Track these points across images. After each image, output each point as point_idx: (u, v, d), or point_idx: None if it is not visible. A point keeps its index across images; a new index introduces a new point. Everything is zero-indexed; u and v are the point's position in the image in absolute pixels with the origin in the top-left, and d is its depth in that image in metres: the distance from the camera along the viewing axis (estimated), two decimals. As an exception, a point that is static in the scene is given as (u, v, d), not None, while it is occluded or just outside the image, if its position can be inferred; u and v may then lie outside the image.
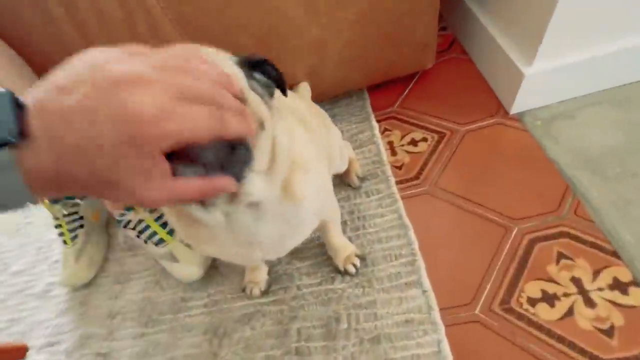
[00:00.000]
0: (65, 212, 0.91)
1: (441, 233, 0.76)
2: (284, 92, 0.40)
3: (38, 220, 1.11)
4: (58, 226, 0.91)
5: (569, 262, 0.66)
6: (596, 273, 0.64)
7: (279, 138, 0.39)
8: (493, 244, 0.72)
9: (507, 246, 0.70)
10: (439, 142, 0.90)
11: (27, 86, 0.76)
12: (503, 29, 0.85)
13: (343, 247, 0.73)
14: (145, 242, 0.85)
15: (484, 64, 0.97)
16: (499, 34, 0.86)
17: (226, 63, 0.34)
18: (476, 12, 0.93)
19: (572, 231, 0.69)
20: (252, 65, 0.36)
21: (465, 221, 0.76)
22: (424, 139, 0.91)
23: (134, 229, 0.85)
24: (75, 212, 0.93)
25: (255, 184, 0.36)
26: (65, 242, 0.91)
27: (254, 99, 0.35)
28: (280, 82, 0.39)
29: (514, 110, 0.87)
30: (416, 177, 0.85)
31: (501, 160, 0.82)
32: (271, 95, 0.38)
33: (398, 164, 0.89)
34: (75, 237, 0.91)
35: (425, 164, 0.87)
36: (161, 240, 0.84)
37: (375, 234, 0.78)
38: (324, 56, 0.82)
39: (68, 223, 0.91)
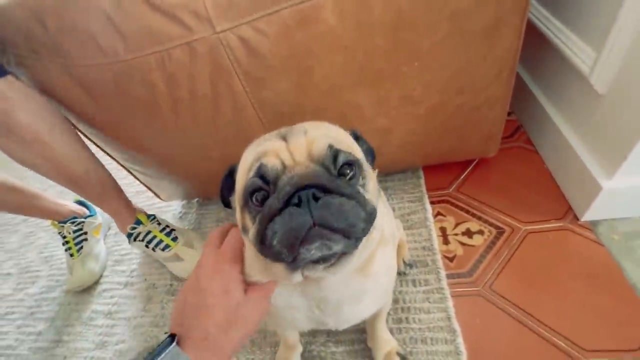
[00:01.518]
0: (74, 229, 1.10)
1: (494, 348, 0.69)
2: (373, 164, 0.44)
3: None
4: (66, 242, 1.10)
5: (653, 422, 0.56)
6: None
7: (379, 219, 0.41)
8: (556, 374, 0.63)
9: (574, 382, 0.62)
10: (497, 237, 0.85)
11: (83, 158, 0.85)
12: (579, 133, 0.81)
13: (386, 341, 0.69)
14: (154, 249, 1.00)
15: (553, 161, 0.92)
16: (574, 139, 0.82)
17: (350, 138, 0.41)
18: (547, 107, 0.91)
19: (658, 382, 0.59)
20: (356, 138, 0.43)
21: (524, 339, 0.68)
22: (480, 232, 0.87)
23: (142, 240, 1.00)
24: (81, 229, 1.11)
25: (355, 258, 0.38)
26: (72, 254, 1.08)
27: (371, 175, 0.40)
28: (372, 155, 0.45)
29: (586, 217, 0.81)
30: (469, 274, 0.80)
31: (568, 273, 0.75)
32: (372, 164, 0.43)
33: (450, 255, 0.85)
34: (81, 249, 1.09)
35: (480, 260, 0.82)
36: (167, 246, 1.00)
37: (420, 332, 0.74)
38: (386, 140, 0.84)
39: (74, 238, 1.10)
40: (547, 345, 0.67)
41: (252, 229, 0.36)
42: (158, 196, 1.19)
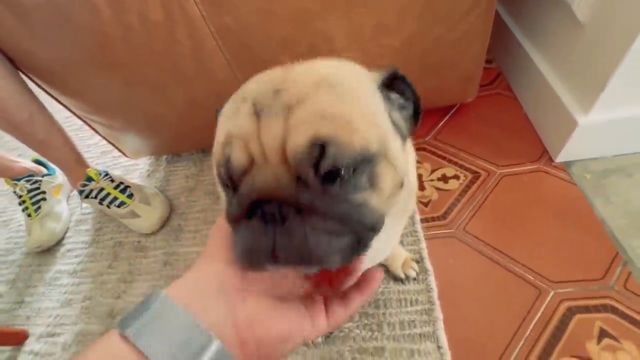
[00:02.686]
0: (29, 188, 1.02)
1: (465, 284, 0.69)
2: (417, 121, 0.33)
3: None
4: (22, 202, 1.02)
5: (613, 342, 0.57)
6: (646, 362, 0.55)
7: (410, 179, 0.37)
8: (524, 306, 0.64)
9: (541, 311, 0.63)
10: (472, 182, 0.84)
11: (26, 102, 0.74)
12: (558, 70, 0.79)
13: (400, 254, 0.71)
14: (109, 206, 0.97)
15: (531, 104, 0.90)
16: (553, 75, 0.80)
17: (366, 91, 0.28)
18: (528, 48, 0.88)
19: (620, 307, 0.60)
20: (390, 82, 0.30)
21: (494, 275, 0.69)
22: (456, 177, 0.85)
23: (95, 197, 0.96)
24: (37, 188, 1.04)
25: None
26: (29, 215, 1.01)
27: (397, 156, 0.29)
28: (417, 108, 0.32)
29: (560, 158, 0.80)
30: (443, 217, 0.79)
31: (541, 212, 0.75)
32: (415, 123, 0.32)
33: (425, 200, 0.83)
34: (39, 208, 1.02)
35: (454, 204, 0.81)
36: (122, 203, 0.96)
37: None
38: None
39: (31, 198, 1.02)
40: (516, 279, 0.67)
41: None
42: (124, 153, 1.11)
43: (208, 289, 0.27)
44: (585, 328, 0.59)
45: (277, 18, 0.65)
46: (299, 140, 0.24)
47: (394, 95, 0.31)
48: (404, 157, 0.31)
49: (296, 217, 0.24)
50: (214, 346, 0.24)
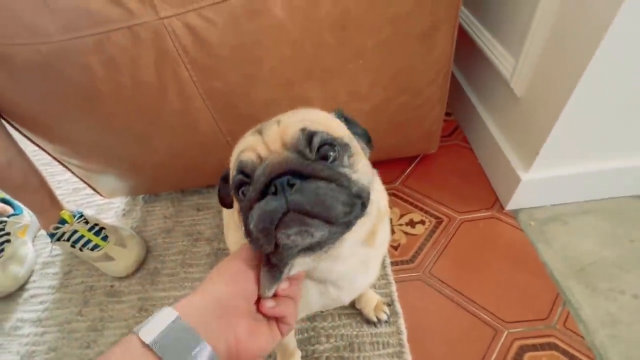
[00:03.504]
0: None
1: (432, 325, 0.75)
2: (370, 143, 0.44)
3: None
4: None
5: (557, 378, 0.65)
6: (584, 396, 0.63)
7: (381, 207, 0.41)
8: (483, 345, 0.71)
9: (497, 350, 0.70)
10: (436, 227, 0.92)
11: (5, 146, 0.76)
12: (503, 132, 0.92)
13: (372, 297, 0.76)
14: (81, 250, 0.94)
15: (484, 157, 1.03)
16: (500, 135, 0.93)
17: (333, 118, 0.40)
18: (479, 110, 1.01)
19: (562, 344, 0.69)
20: (345, 119, 0.42)
21: (457, 316, 0.76)
22: (422, 222, 0.94)
23: (67, 240, 0.94)
24: (2, 229, 1.01)
25: (348, 241, 0.37)
26: None
27: (364, 156, 0.39)
28: (367, 137, 0.44)
29: (509, 206, 0.91)
30: (411, 261, 0.86)
31: (495, 256, 0.84)
32: (369, 144, 0.44)
33: (394, 244, 0.90)
34: (1, 251, 0.98)
35: (421, 248, 0.89)
36: (96, 246, 0.94)
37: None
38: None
39: None
40: (475, 320, 0.74)
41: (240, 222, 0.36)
42: (99, 193, 1.10)
43: (210, 310, 0.33)
44: (534, 365, 0.67)
45: (262, 83, 0.72)
46: (292, 131, 0.34)
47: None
48: (369, 168, 0.39)
49: (302, 182, 0.31)
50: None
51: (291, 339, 0.67)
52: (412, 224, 0.94)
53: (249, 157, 0.34)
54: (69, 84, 0.69)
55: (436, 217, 0.94)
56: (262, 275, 0.37)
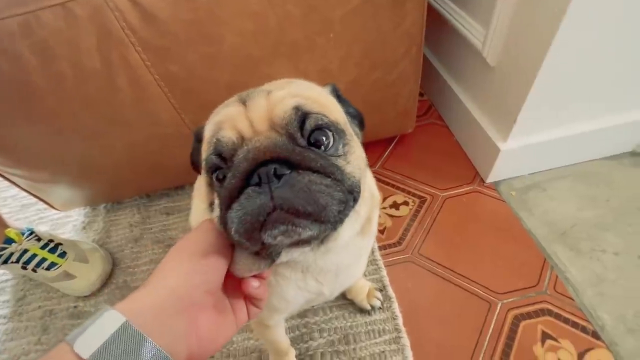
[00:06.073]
0: None
1: (425, 305, 0.73)
2: (362, 127, 0.39)
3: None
4: None
5: (554, 342, 0.65)
6: (580, 356, 0.63)
7: (373, 191, 0.39)
8: (479, 319, 0.69)
9: (493, 323, 0.68)
10: (420, 206, 0.90)
11: None
12: (479, 105, 0.91)
13: (363, 285, 0.72)
14: (34, 270, 0.84)
15: (460, 133, 1.02)
16: (475, 109, 0.92)
17: (325, 91, 0.35)
18: (453, 86, 1.00)
19: (554, 309, 0.69)
20: (338, 97, 0.36)
21: (450, 293, 0.74)
22: (406, 203, 0.92)
23: (17, 261, 0.83)
24: None
25: (345, 231, 0.34)
26: None
27: (358, 144, 0.34)
28: (360, 119, 0.38)
29: (490, 179, 0.91)
30: (399, 243, 0.84)
31: (480, 230, 0.83)
32: (361, 127, 0.38)
33: (380, 228, 0.87)
34: None
35: (407, 229, 0.86)
36: (53, 264, 0.84)
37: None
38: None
39: None
40: (469, 295, 0.73)
41: (214, 213, 0.30)
42: (52, 206, 0.99)
43: (166, 308, 0.27)
44: (530, 333, 0.66)
45: (224, 64, 0.66)
46: (284, 108, 0.28)
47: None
48: (363, 157, 0.34)
49: (292, 173, 0.26)
50: None
51: (284, 338, 0.62)
52: (396, 206, 0.91)
53: (229, 136, 0.28)
54: (-4, 78, 0.59)
55: (419, 197, 0.92)
56: (239, 255, 0.31)
